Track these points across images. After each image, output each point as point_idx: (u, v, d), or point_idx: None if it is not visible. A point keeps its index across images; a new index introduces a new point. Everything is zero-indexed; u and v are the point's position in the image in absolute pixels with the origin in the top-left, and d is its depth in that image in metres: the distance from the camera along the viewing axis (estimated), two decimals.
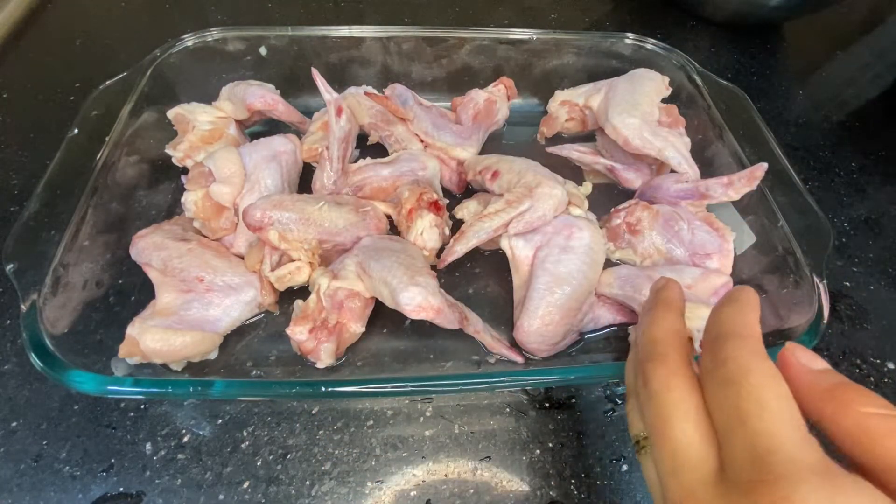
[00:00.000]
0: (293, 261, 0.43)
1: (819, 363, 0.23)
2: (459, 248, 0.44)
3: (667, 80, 0.56)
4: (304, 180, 0.52)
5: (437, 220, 0.46)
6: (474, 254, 0.49)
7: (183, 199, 0.45)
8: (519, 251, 0.44)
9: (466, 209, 0.48)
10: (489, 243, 0.47)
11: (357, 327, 0.41)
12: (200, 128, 0.51)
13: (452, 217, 0.50)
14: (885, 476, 0.20)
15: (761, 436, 0.20)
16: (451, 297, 0.43)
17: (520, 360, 0.42)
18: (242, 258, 0.46)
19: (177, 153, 0.50)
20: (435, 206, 0.46)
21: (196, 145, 0.50)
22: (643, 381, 0.25)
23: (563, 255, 0.43)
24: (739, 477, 0.20)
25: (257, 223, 0.42)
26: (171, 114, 0.51)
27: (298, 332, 0.39)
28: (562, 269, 0.42)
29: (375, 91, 0.57)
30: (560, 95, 0.58)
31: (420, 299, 0.38)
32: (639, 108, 0.51)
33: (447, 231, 0.48)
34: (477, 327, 0.42)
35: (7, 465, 0.37)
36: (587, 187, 0.51)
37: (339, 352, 0.41)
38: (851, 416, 0.20)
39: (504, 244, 0.45)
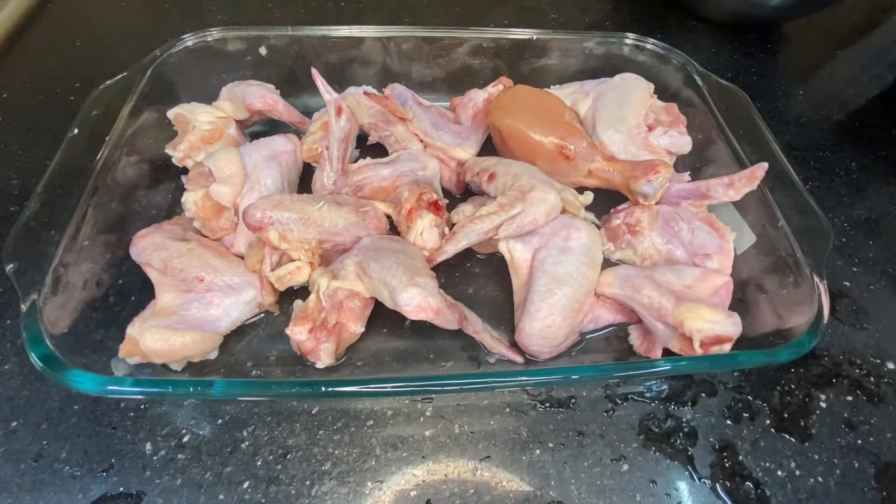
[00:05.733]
0: (293, 261, 0.43)
1: None
2: (449, 249, 0.44)
3: (652, 87, 0.56)
4: (304, 180, 0.52)
5: (437, 221, 0.46)
6: (474, 255, 0.49)
7: (183, 199, 0.45)
8: (517, 254, 0.44)
9: (462, 213, 0.48)
10: (488, 246, 0.47)
11: (357, 327, 0.41)
12: (200, 128, 0.51)
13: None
14: None
15: None
16: (451, 297, 0.43)
17: (519, 359, 0.42)
18: (242, 258, 0.46)
19: (177, 153, 0.50)
20: (435, 207, 0.46)
21: (196, 145, 0.50)
22: None
23: (562, 255, 0.43)
24: None
25: (257, 223, 0.43)
26: (171, 114, 0.51)
27: (298, 332, 0.39)
28: (561, 269, 0.42)
29: (375, 91, 0.57)
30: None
31: (419, 300, 0.38)
32: (625, 123, 0.52)
33: (447, 231, 0.48)
34: (476, 327, 0.42)
35: (7, 465, 0.37)
36: (588, 197, 0.49)
37: (339, 352, 0.41)
38: None
39: (502, 247, 0.45)
